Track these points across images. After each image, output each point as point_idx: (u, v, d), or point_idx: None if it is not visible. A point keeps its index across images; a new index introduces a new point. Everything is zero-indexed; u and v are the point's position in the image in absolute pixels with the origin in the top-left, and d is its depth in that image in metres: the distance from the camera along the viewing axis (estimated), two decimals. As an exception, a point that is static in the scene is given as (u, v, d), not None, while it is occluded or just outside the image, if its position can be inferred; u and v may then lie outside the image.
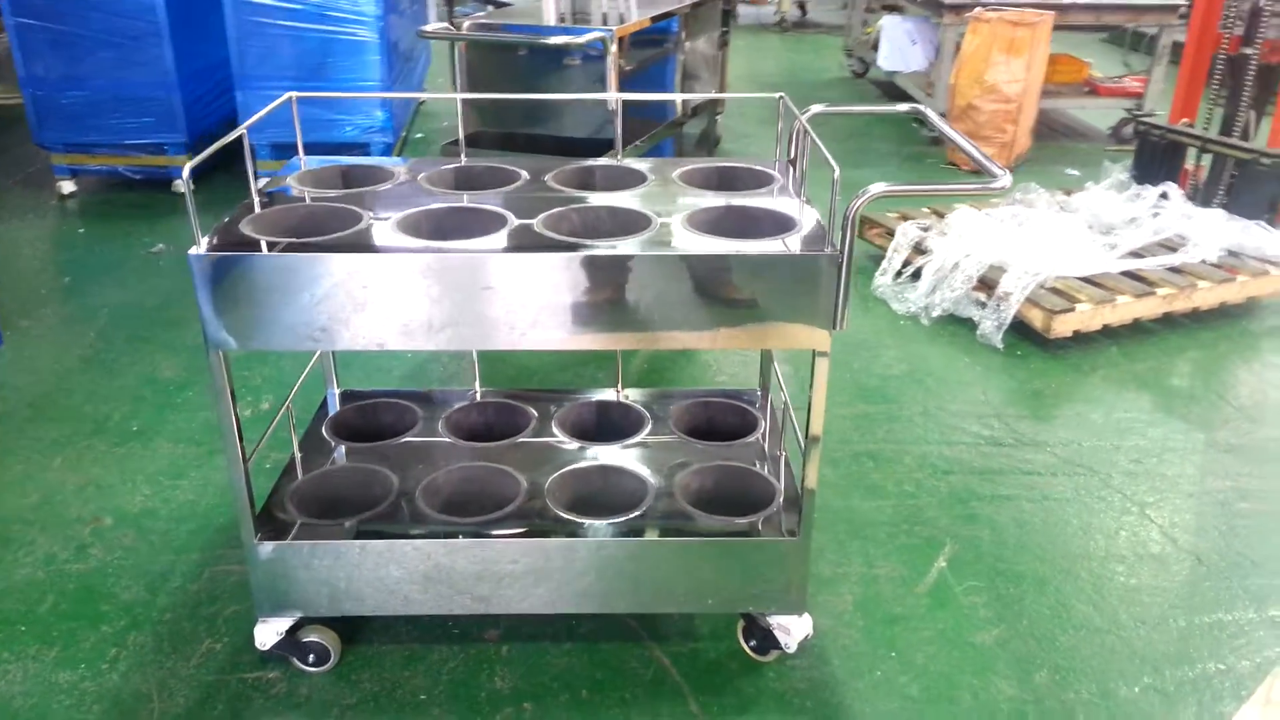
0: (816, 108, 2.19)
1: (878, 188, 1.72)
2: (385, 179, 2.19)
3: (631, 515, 2.10)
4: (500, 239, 1.85)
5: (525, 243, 1.83)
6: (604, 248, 1.79)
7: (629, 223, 1.94)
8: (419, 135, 6.21)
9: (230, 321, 1.78)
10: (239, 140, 1.91)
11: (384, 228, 1.89)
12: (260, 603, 2.06)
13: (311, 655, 2.13)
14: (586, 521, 2.09)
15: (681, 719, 2.05)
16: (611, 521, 2.09)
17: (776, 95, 2.31)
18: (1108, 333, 3.69)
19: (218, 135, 5.59)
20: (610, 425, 2.46)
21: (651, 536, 2.07)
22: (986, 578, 2.46)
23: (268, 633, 2.09)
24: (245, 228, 1.86)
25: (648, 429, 2.41)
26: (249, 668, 2.15)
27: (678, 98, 4.63)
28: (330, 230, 1.87)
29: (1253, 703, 1.89)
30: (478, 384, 2.56)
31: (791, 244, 1.83)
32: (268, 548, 2.00)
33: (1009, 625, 2.31)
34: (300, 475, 2.26)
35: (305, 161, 2.27)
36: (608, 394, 2.57)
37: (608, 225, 1.97)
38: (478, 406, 2.52)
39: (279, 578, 2.03)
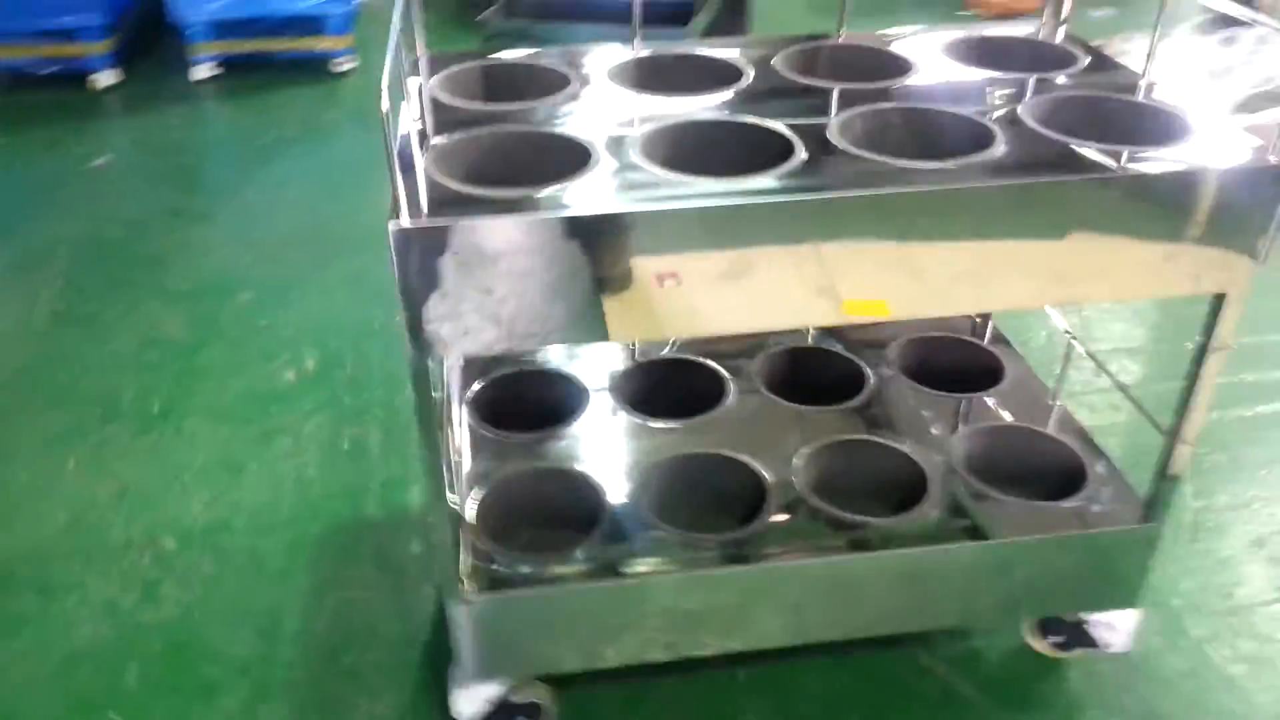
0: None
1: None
2: (555, 82, 1.57)
3: (927, 509, 1.64)
4: (824, 164, 1.30)
5: (858, 170, 1.29)
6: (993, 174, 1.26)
7: (966, 131, 1.40)
8: None
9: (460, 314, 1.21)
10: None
11: (636, 158, 1.31)
12: (467, 667, 1.55)
13: (522, 717, 1.65)
14: (876, 522, 1.62)
15: (996, 745, 1.67)
16: (910, 520, 1.63)
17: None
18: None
19: (141, 16, 4.64)
20: (817, 378, 1.97)
21: (964, 540, 1.61)
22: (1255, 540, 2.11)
23: (472, 700, 1.59)
24: (444, 172, 1.26)
25: (871, 382, 1.93)
26: (431, 734, 1.67)
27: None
28: (557, 172, 1.28)
29: None
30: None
31: (1208, 150, 1.33)
32: (481, 603, 1.48)
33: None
34: (470, 484, 1.71)
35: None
36: (785, 338, 2.05)
37: (937, 135, 1.42)
38: (641, 368, 1.99)
39: (494, 637, 1.52)
